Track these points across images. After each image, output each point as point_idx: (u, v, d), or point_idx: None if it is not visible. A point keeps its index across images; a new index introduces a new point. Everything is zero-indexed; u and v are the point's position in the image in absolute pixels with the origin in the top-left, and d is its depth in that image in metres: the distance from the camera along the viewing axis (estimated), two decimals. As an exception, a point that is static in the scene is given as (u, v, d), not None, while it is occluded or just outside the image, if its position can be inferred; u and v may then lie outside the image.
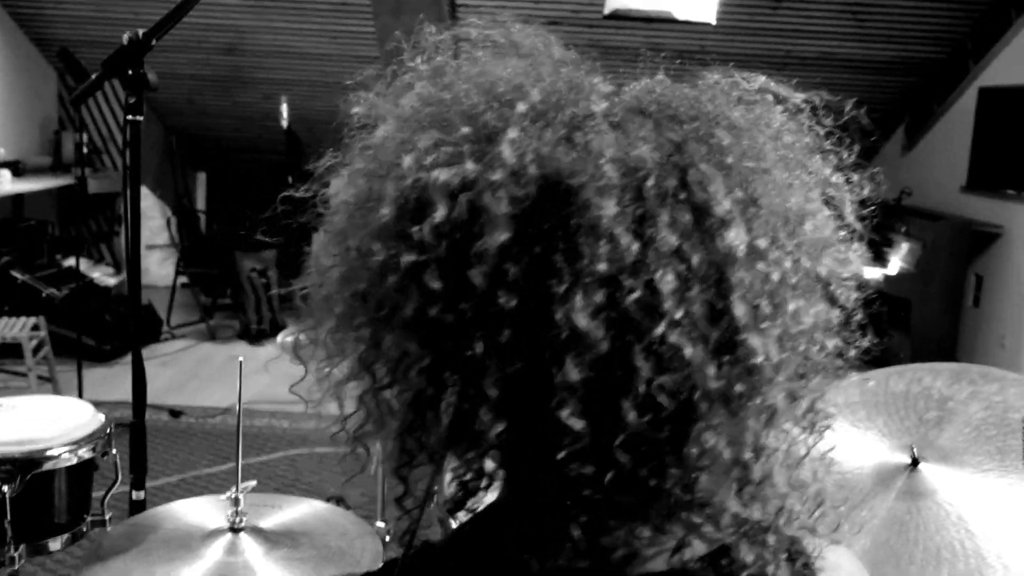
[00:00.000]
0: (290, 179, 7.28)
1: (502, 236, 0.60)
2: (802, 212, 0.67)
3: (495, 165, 0.61)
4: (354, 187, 0.69)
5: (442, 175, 0.62)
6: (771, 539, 0.68)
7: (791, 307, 0.65)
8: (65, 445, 1.69)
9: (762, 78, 0.73)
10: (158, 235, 7.66)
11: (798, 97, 0.73)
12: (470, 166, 0.62)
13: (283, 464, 4.36)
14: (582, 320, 0.58)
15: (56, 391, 4.72)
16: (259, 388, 5.47)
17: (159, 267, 7.68)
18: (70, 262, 5.97)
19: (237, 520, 1.71)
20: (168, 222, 7.35)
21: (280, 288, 6.82)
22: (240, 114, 7.26)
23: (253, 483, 1.74)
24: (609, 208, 0.59)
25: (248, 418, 4.91)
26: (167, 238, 7.53)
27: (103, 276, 6.73)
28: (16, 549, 1.63)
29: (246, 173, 7.60)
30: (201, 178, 8.06)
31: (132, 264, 2.01)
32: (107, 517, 1.78)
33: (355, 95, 0.74)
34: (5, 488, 1.61)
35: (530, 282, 0.60)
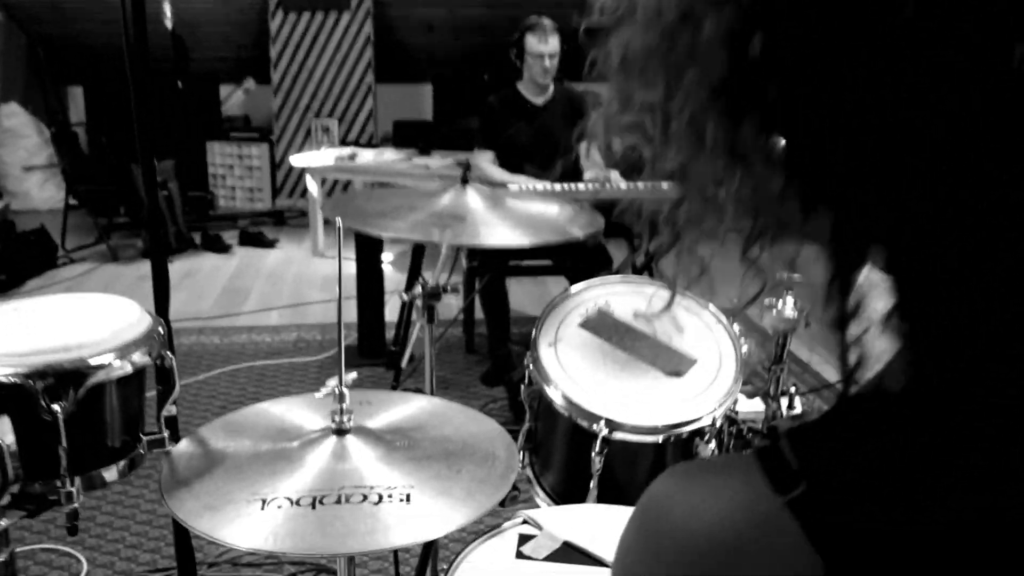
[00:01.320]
0: (179, 84, 6.65)
1: None
2: None
3: None
4: None
5: None
6: None
7: None
8: (115, 350, 1.34)
9: None
10: (36, 155, 6.92)
11: None
12: None
13: (224, 381, 4.04)
14: None
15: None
16: (177, 306, 5.03)
17: (40, 190, 6.97)
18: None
19: (343, 420, 1.42)
20: (53, 138, 6.63)
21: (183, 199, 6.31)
22: (112, 17, 6.54)
23: (354, 375, 1.45)
24: None
25: (175, 337, 4.51)
26: (47, 157, 6.82)
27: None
28: (72, 482, 1.29)
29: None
30: (77, 92, 7.30)
31: None
32: (165, 435, 1.45)
33: None
34: (57, 407, 1.26)
35: None
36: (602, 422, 1.76)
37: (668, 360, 1.90)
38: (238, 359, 4.29)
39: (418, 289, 2.17)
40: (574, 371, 1.86)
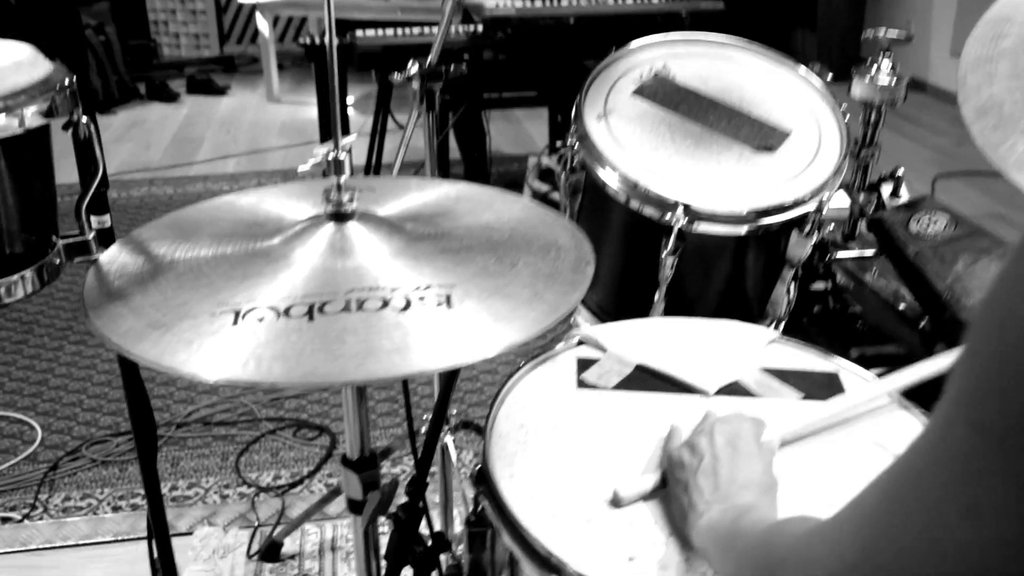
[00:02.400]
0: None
1: None
2: None
3: None
4: None
5: None
6: None
7: None
8: (-1, 105, 0.88)
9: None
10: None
11: None
12: None
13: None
14: None
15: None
16: (124, 157, 4.59)
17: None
18: None
19: (343, 200, 0.99)
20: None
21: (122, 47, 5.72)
22: None
23: (354, 136, 1.01)
24: None
25: (124, 189, 4.11)
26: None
27: None
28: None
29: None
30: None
31: None
32: (89, 236, 1.02)
33: None
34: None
35: None
36: (679, 210, 1.34)
37: (753, 132, 1.47)
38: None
39: (413, 69, 1.70)
40: (635, 148, 1.42)
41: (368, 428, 1.11)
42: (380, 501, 1.09)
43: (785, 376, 1.16)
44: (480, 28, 3.28)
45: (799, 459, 1.01)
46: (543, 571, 0.87)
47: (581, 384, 1.14)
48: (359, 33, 3.35)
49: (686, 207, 1.33)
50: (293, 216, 1.05)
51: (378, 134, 3.45)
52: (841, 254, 1.77)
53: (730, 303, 1.52)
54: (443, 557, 1.28)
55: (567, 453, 1.01)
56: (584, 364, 1.18)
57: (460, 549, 1.14)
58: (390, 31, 3.39)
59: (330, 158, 0.96)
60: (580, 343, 1.23)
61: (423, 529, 1.22)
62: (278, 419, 2.41)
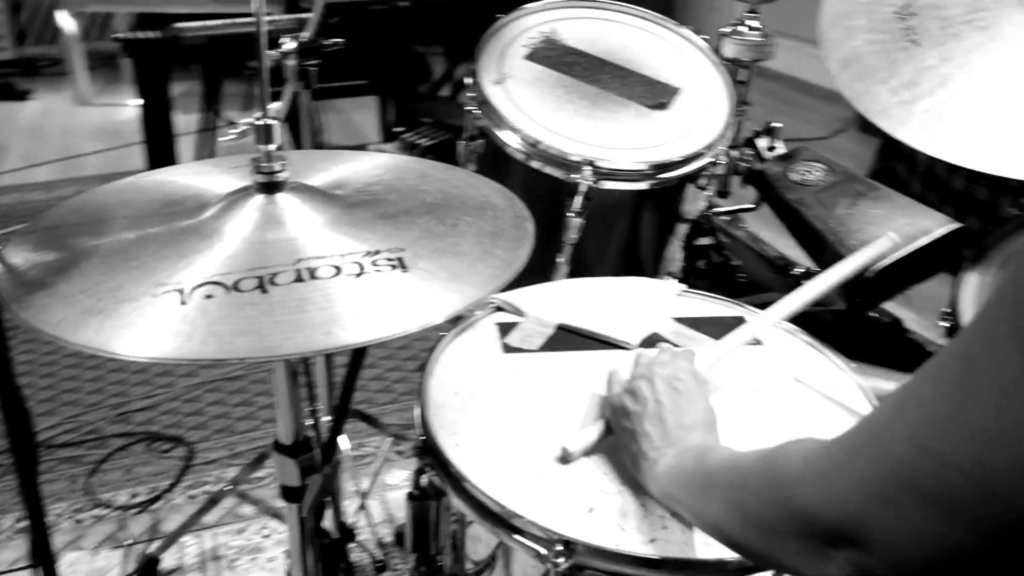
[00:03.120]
0: None
1: None
2: None
3: None
4: None
5: None
6: None
7: None
8: None
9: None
10: None
11: None
12: None
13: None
14: None
15: None
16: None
17: None
18: None
19: (274, 168, 0.94)
20: None
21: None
22: None
23: (281, 104, 0.95)
24: None
25: (47, 192, 3.90)
26: None
27: None
28: None
29: None
30: None
31: None
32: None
33: None
34: None
35: None
36: (587, 170, 1.35)
37: (646, 90, 1.50)
38: (7, 221, 3.56)
39: (290, 44, 1.64)
40: (535, 111, 1.43)
41: (301, 410, 1.07)
42: (322, 485, 1.05)
43: (697, 324, 1.20)
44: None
45: (729, 402, 1.05)
46: (507, 533, 0.87)
47: (507, 348, 1.14)
48: (180, 26, 3.08)
49: (595, 167, 1.35)
50: (214, 190, 0.99)
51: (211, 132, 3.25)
52: (719, 209, 1.84)
53: (629, 262, 1.56)
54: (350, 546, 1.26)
55: (508, 415, 1.02)
56: (505, 328, 1.18)
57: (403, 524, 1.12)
58: (215, 22, 3.15)
59: (259, 123, 0.91)
60: (498, 309, 1.23)
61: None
62: (127, 434, 2.27)
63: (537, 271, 1.44)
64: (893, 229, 1.34)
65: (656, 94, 1.49)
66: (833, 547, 0.56)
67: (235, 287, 0.82)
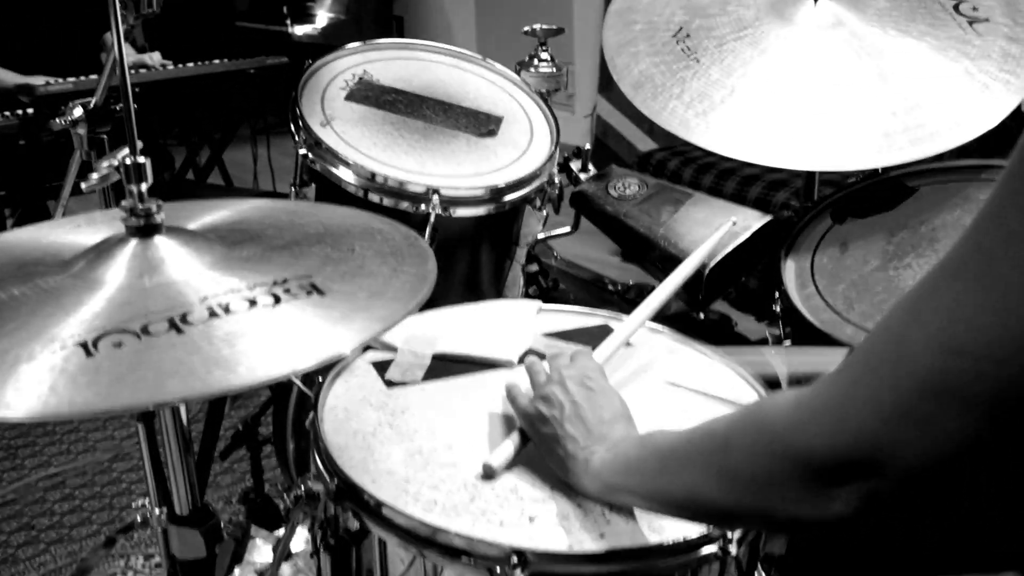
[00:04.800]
0: None
1: None
2: None
3: None
4: None
5: None
6: None
7: None
8: None
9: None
10: None
11: None
12: None
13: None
14: None
15: None
16: None
17: None
18: None
19: (150, 211, 0.86)
20: None
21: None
22: None
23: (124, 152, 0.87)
24: None
25: None
26: None
27: None
28: None
29: None
30: None
31: None
32: None
33: None
34: None
35: None
36: (435, 198, 1.35)
37: (471, 120, 1.53)
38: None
39: (76, 111, 1.53)
40: (368, 149, 1.41)
41: (195, 476, 0.98)
42: (234, 550, 0.96)
43: (567, 336, 1.23)
44: (32, 111, 2.81)
45: (634, 396, 1.07)
46: (455, 558, 0.84)
47: (390, 384, 1.11)
48: None
49: (442, 196, 1.35)
50: (74, 242, 0.90)
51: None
52: (541, 235, 1.89)
53: (472, 289, 1.56)
54: None
55: (415, 447, 0.98)
56: (381, 366, 1.15)
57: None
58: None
59: (128, 163, 0.84)
60: (367, 348, 1.19)
61: None
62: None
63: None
64: (716, 228, 1.43)
65: (481, 123, 1.52)
66: (838, 484, 0.55)
67: (144, 331, 0.74)
